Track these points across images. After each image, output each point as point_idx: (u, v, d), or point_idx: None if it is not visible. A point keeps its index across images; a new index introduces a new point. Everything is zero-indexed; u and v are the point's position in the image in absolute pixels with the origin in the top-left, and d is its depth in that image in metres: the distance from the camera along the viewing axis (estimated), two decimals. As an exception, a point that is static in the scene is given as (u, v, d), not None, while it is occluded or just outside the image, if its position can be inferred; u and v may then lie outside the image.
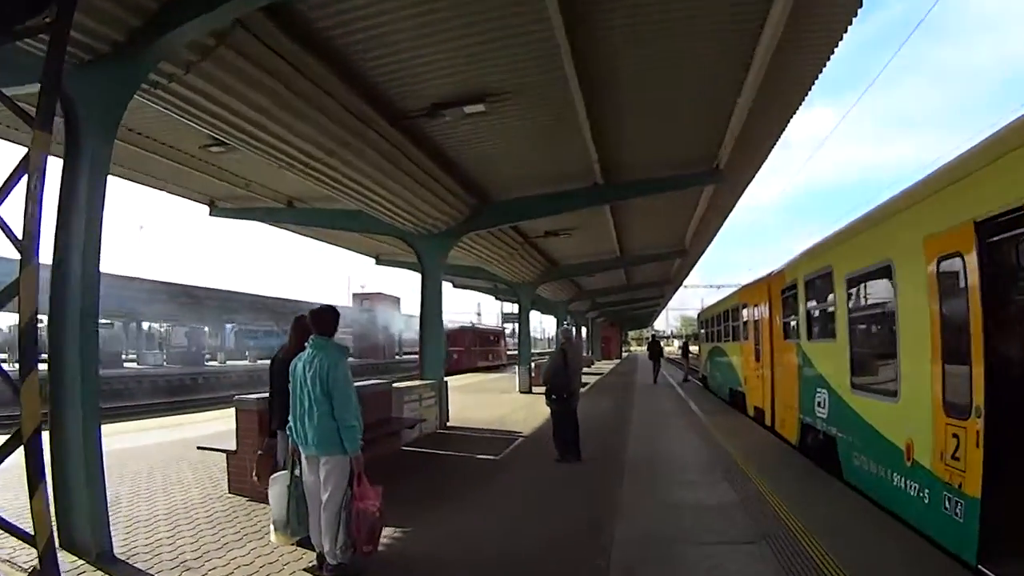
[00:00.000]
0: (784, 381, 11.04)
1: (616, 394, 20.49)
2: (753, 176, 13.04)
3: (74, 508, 4.83)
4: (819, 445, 8.78)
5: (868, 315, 7.24)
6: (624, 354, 74.04)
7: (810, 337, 9.13)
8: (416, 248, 12.97)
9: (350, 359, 4.93)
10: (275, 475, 4.90)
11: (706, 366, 23.20)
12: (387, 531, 5.28)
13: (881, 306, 6.76)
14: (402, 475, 8.22)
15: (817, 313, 9.05)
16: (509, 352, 57.53)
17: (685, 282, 39.71)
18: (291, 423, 4.70)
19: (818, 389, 8.62)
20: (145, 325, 52.87)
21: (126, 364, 42.62)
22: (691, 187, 12.13)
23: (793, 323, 10.35)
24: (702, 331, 24.27)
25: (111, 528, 5.12)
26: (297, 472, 4.76)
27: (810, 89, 9.03)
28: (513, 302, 32.16)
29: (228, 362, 49.11)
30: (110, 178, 5.29)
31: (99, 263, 5.08)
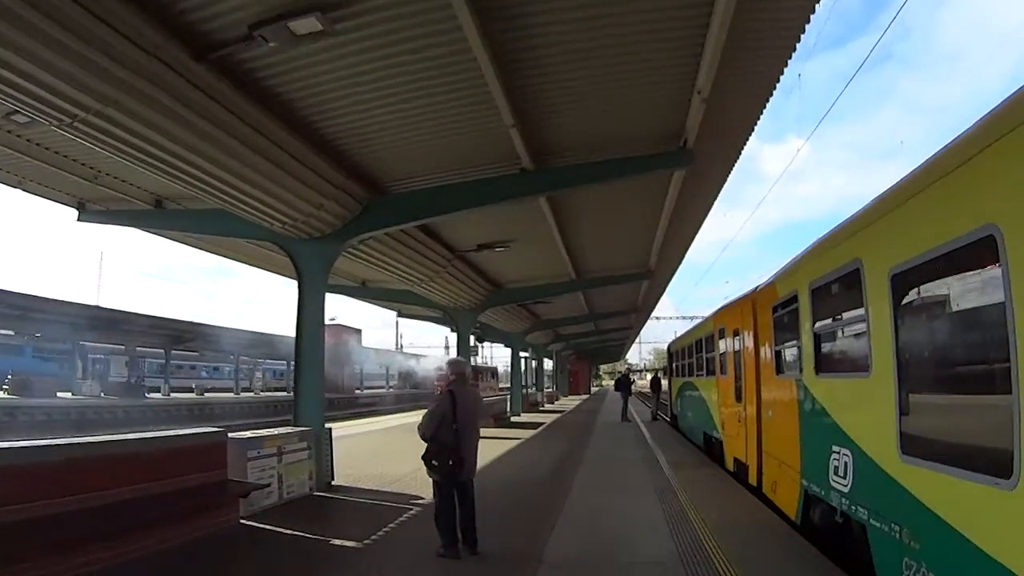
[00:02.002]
0: (777, 430, 8.19)
1: (569, 438, 17.42)
2: (734, 161, 10.33)
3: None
4: (834, 529, 5.96)
5: (941, 331, 4.41)
6: (595, 389, 71.28)
7: (820, 370, 6.31)
8: (290, 253, 9.91)
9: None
10: None
11: (676, 404, 20.32)
12: None
13: (971, 315, 3.96)
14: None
15: (832, 335, 6.25)
16: (502, 386, 56.69)
17: (657, 313, 37.80)
18: None
19: (835, 448, 5.78)
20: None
21: (60, 395, 38.33)
22: (651, 171, 9.32)
23: (791, 351, 7.56)
24: (673, 364, 21.41)
25: None
26: None
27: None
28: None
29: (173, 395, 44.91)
30: None
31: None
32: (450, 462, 5.73)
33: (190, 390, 45.86)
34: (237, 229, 10.30)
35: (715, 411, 12.37)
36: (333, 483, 9.62)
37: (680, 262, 19.54)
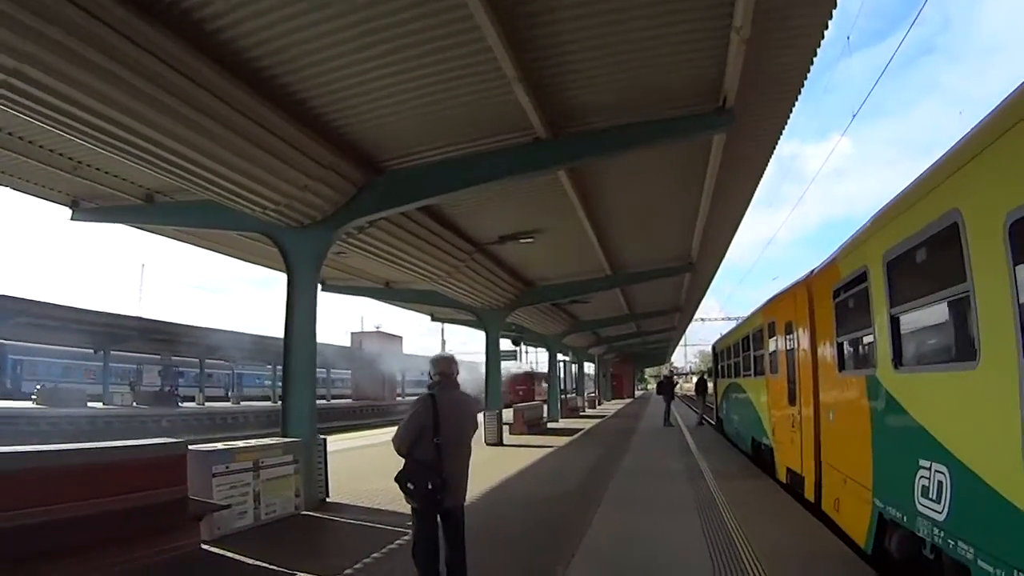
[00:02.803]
0: (840, 438, 6.86)
1: (606, 445, 16.13)
2: (781, 125, 8.85)
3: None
4: (922, 565, 4.70)
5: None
6: (639, 392, 69.31)
7: (901, 363, 4.99)
8: (279, 243, 8.96)
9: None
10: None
11: (721, 407, 18.78)
12: None
13: None
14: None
15: (918, 317, 4.91)
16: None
17: (702, 314, 36.06)
18: None
19: (924, 462, 4.49)
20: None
21: (91, 404, 38.78)
22: (687, 136, 7.99)
23: (859, 342, 6.24)
24: (719, 364, 19.86)
25: None
26: None
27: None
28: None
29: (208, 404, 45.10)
30: None
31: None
32: (429, 485, 4.58)
33: (225, 398, 46.01)
34: (227, 221, 9.46)
35: (764, 415, 10.95)
36: (328, 500, 8.63)
37: (724, 253, 17.96)
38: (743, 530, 6.79)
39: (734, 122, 7.53)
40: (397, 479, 4.67)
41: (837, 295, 6.68)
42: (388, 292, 18.04)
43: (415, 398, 4.97)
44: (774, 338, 10.13)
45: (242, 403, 45.42)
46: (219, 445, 7.60)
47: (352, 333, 67.84)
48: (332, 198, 8.60)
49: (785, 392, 9.15)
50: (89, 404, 34.57)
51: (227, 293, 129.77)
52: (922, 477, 4.59)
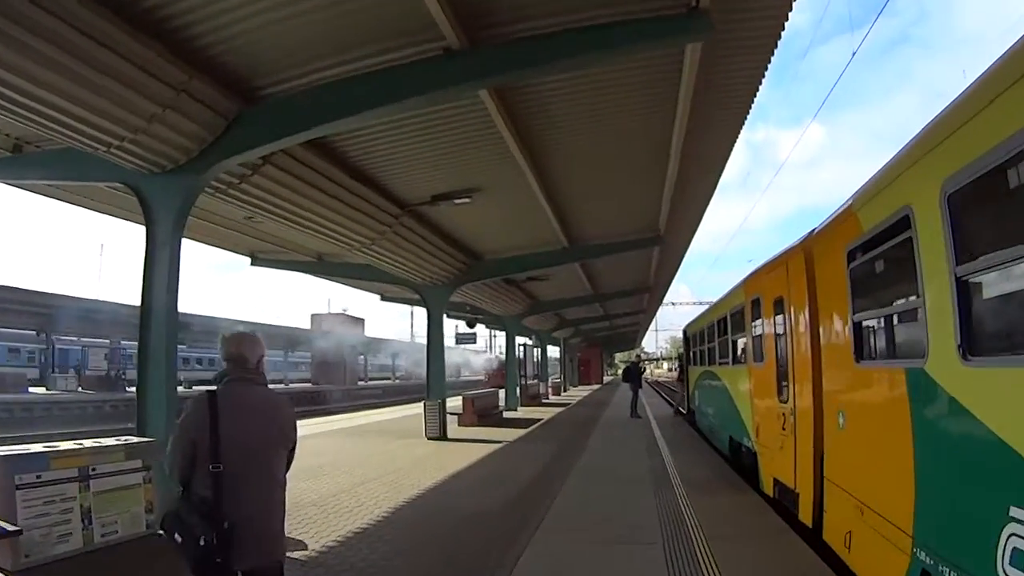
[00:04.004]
0: (857, 451, 5.05)
1: (563, 440, 14.26)
2: (770, 48, 6.98)
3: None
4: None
5: None
6: (609, 378, 67.99)
7: (973, 352, 3.16)
8: (136, 190, 6.98)
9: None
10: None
11: (694, 398, 17.03)
12: None
13: None
14: None
15: (1010, 278, 3.07)
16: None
17: (673, 299, 34.79)
18: None
19: (1017, 512, 2.69)
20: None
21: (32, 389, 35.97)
22: (647, 43, 5.88)
23: (893, 322, 4.43)
24: (691, 350, 18.08)
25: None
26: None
27: None
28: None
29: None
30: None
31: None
32: (200, 541, 2.64)
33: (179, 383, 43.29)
34: (91, 171, 7.49)
35: (746, 412, 9.15)
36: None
37: (697, 225, 16.16)
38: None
39: (711, 31, 5.61)
40: (162, 525, 2.80)
41: (854, 257, 4.83)
42: (322, 266, 15.95)
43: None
44: (759, 319, 8.30)
45: (194, 388, 42.97)
46: (36, 447, 5.87)
47: (312, 315, 65.99)
48: (196, 134, 6.55)
49: (773, 386, 7.34)
50: (30, 389, 33.00)
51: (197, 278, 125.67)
52: (1014, 534, 2.80)
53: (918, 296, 3.72)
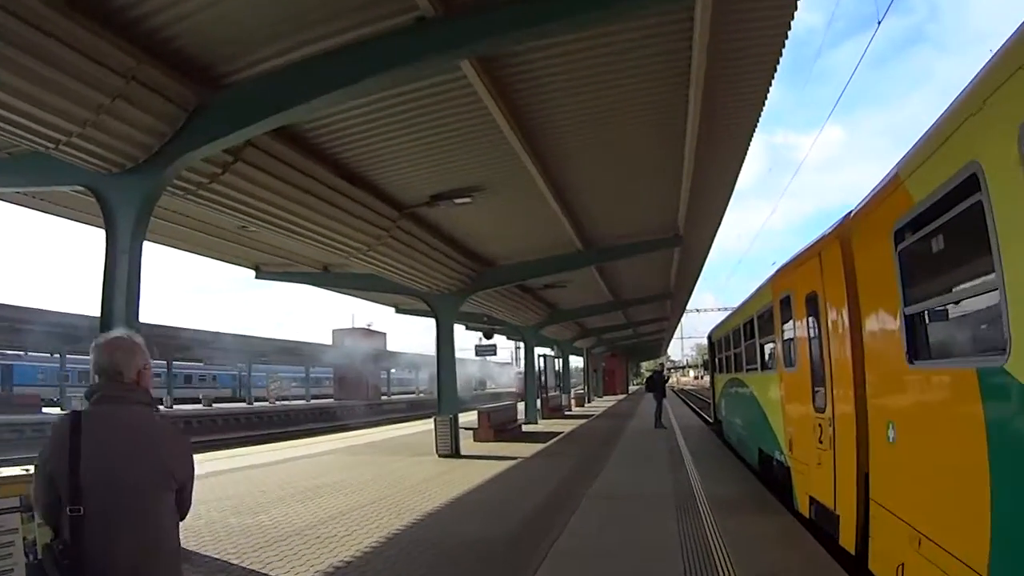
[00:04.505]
0: (913, 470, 4.18)
1: (582, 455, 13.39)
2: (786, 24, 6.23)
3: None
4: None
5: None
6: (634, 388, 66.65)
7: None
8: (95, 192, 6.40)
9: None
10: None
11: (720, 407, 16.06)
12: None
13: None
14: None
15: None
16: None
17: (697, 305, 33.99)
18: None
19: None
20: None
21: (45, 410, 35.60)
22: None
23: (959, 311, 3.64)
24: (716, 357, 17.12)
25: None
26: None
27: None
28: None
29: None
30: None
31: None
32: None
33: (198, 401, 43.05)
34: (52, 175, 6.93)
35: (777, 423, 8.26)
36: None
37: (718, 223, 15.25)
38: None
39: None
40: None
41: (903, 236, 4.01)
42: (328, 278, 15.28)
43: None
44: (789, 319, 7.45)
45: (214, 404, 42.68)
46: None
47: (333, 330, 65.95)
48: (152, 127, 5.95)
49: (808, 393, 6.48)
50: (44, 410, 32.14)
51: (222, 294, 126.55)
52: None
53: (993, 276, 2.92)
